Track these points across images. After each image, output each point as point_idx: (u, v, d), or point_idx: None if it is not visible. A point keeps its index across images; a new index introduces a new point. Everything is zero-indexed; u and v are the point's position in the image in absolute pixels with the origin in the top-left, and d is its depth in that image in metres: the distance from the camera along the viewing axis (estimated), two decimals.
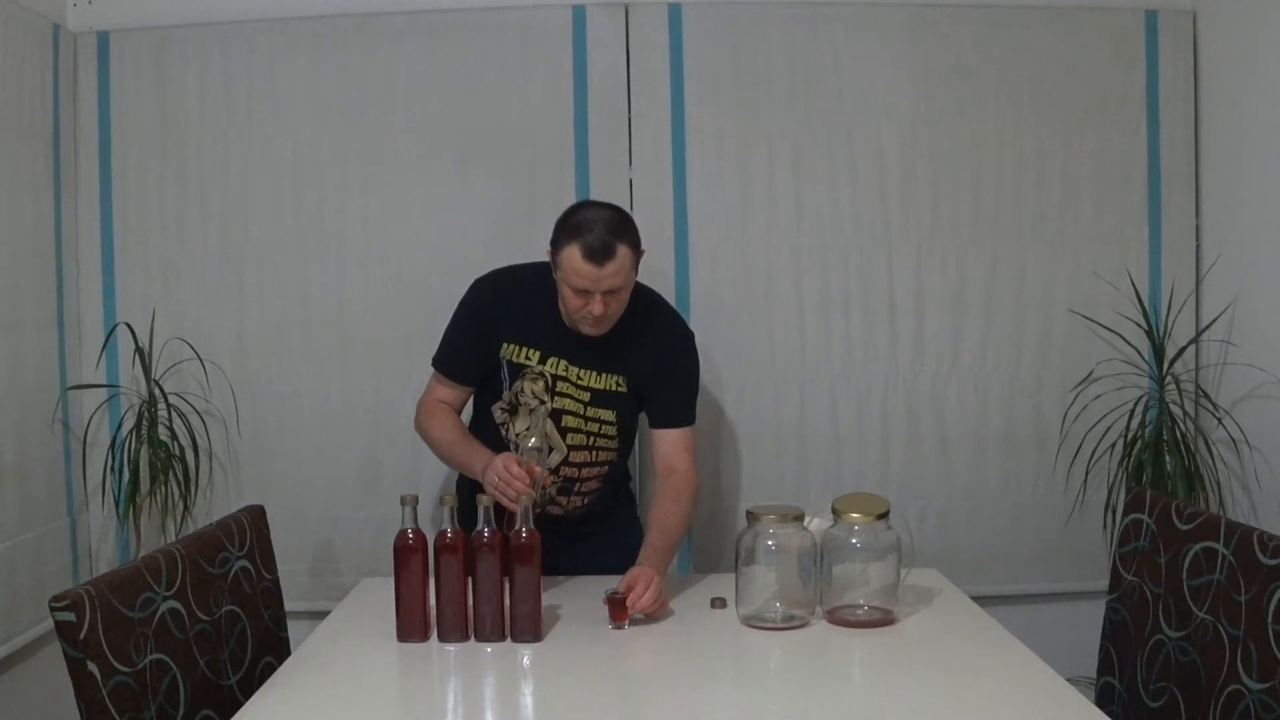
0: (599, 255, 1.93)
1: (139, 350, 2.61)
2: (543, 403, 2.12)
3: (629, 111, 2.66)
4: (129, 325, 2.64)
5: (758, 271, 2.67)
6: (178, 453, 2.61)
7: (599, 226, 1.95)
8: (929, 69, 2.67)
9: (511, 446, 2.13)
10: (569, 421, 2.13)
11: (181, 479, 2.60)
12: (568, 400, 2.12)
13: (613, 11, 2.65)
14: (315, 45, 2.66)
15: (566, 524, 2.21)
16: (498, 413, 2.17)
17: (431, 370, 2.25)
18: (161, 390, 2.62)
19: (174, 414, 2.62)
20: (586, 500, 2.22)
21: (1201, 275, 2.70)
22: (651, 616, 1.91)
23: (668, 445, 2.17)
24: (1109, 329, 2.67)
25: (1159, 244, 2.71)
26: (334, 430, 2.69)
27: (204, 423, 2.67)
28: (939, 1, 2.67)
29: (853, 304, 2.69)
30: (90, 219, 2.68)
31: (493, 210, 2.63)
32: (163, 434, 2.60)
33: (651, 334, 2.16)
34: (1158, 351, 2.61)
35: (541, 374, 2.12)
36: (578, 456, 2.15)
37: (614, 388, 2.13)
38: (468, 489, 2.12)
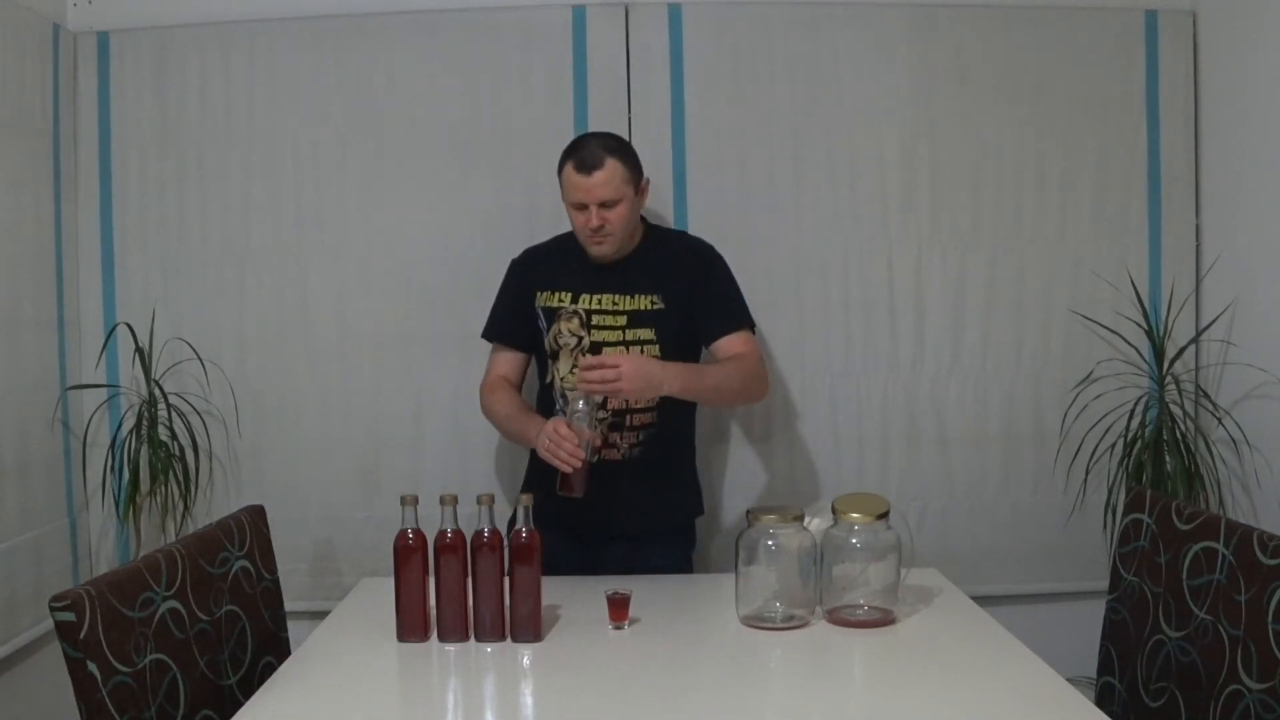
0: (587, 166, 2.13)
1: (139, 350, 2.61)
2: (579, 339, 2.21)
3: (629, 111, 2.66)
4: (129, 325, 2.64)
5: (758, 271, 2.66)
6: (178, 453, 2.61)
7: (591, 144, 2.18)
8: (929, 69, 2.67)
9: (560, 398, 2.22)
10: (610, 352, 2.19)
11: (181, 479, 2.60)
12: (605, 332, 2.21)
13: (613, 11, 2.65)
14: (315, 45, 2.66)
15: (624, 515, 2.22)
16: (547, 369, 2.27)
17: (489, 349, 2.37)
18: (161, 390, 2.62)
19: (174, 414, 2.62)
20: (641, 437, 2.23)
21: (1201, 275, 2.70)
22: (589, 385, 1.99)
23: (721, 350, 2.25)
24: (1109, 329, 2.67)
25: (1159, 244, 2.71)
26: (334, 430, 2.68)
27: (204, 423, 2.67)
28: (939, 1, 2.67)
29: (853, 304, 2.69)
30: (90, 219, 2.68)
31: (493, 210, 2.64)
32: (163, 434, 2.60)
33: (674, 253, 2.30)
34: (1158, 351, 2.61)
35: (575, 312, 2.23)
36: None
37: (649, 306, 2.22)
38: (537, 487, 2.14)
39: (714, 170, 2.67)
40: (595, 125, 2.64)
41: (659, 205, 2.65)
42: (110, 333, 2.66)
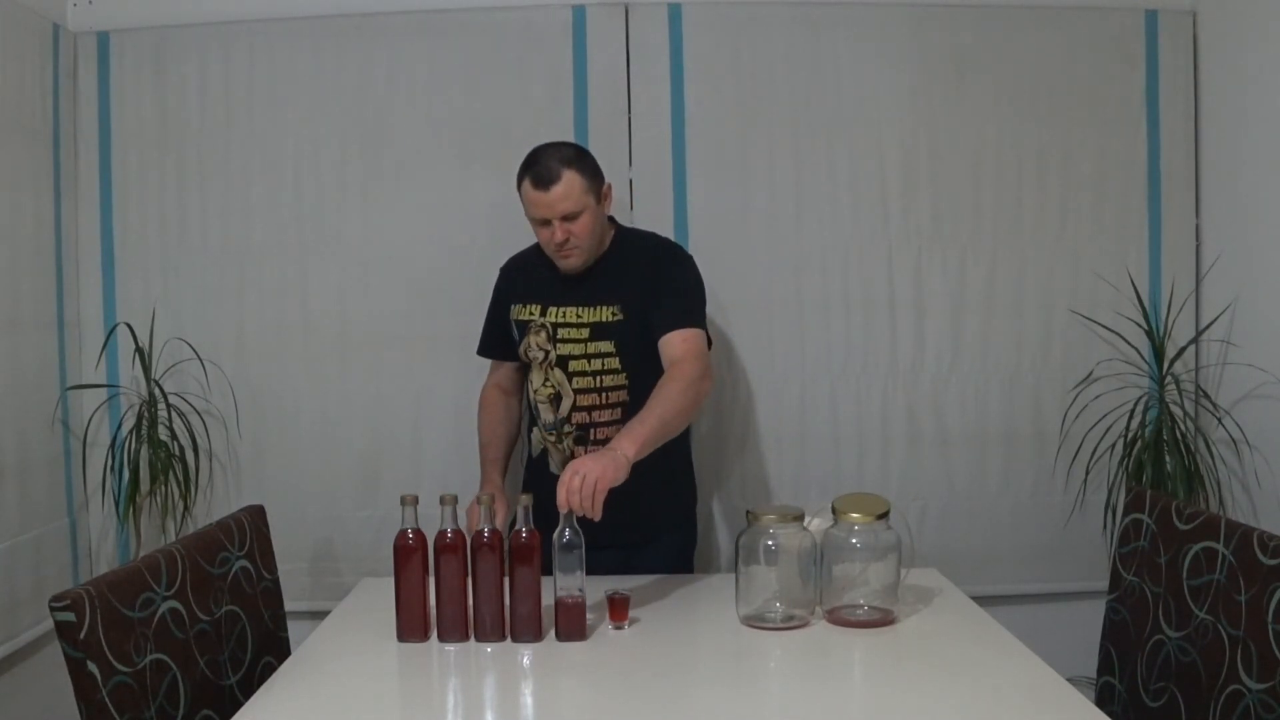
0: (544, 181, 2.08)
1: (139, 350, 2.61)
2: (546, 353, 2.21)
3: (629, 111, 2.66)
4: (129, 325, 2.64)
5: (758, 271, 2.67)
6: (178, 453, 2.61)
7: (546, 157, 2.12)
8: (929, 69, 2.67)
9: (534, 409, 2.25)
10: (574, 366, 2.20)
11: (181, 479, 2.60)
12: (570, 345, 2.20)
13: (613, 11, 2.65)
14: (315, 45, 2.66)
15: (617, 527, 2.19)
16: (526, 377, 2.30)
17: None
18: (161, 390, 2.62)
19: (174, 414, 2.62)
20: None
21: (1201, 275, 2.70)
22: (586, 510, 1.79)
23: (669, 348, 2.12)
24: (1109, 329, 2.67)
25: (1159, 244, 2.71)
26: (334, 430, 2.69)
27: (204, 423, 2.67)
28: (939, 1, 2.67)
29: (853, 304, 2.69)
30: (90, 219, 2.68)
31: (493, 210, 2.62)
32: (163, 434, 2.60)
33: (638, 258, 2.24)
34: (1158, 351, 2.61)
35: (543, 325, 2.22)
36: (585, 400, 2.19)
37: (610, 318, 2.18)
38: (538, 487, 2.14)
39: (714, 170, 2.67)
40: (595, 125, 2.65)
41: (659, 205, 2.66)
42: (110, 333, 2.66)
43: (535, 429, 2.28)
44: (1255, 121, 2.50)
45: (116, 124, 2.67)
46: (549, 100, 2.65)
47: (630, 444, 1.89)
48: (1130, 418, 2.61)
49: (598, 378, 2.19)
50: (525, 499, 1.85)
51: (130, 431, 2.61)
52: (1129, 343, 2.66)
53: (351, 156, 2.67)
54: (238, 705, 1.65)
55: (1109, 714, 1.54)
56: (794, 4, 2.66)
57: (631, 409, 2.11)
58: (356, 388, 2.69)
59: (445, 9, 2.65)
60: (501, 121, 2.64)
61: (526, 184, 2.11)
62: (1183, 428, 2.55)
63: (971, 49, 2.67)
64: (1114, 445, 2.61)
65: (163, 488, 2.57)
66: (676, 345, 2.12)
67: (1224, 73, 2.62)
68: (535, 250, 2.28)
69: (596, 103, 2.65)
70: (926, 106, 2.67)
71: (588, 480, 1.79)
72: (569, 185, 2.09)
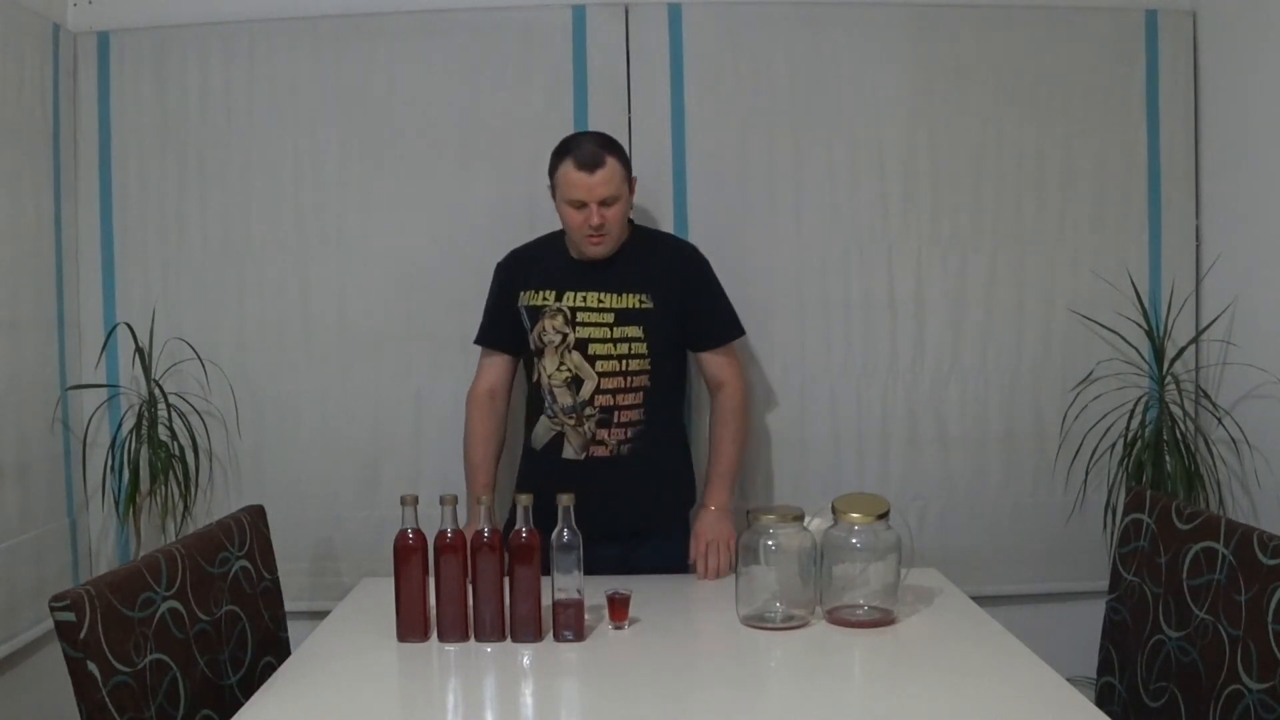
0: (589, 164, 2.16)
1: (139, 350, 2.61)
2: (564, 335, 2.23)
3: (629, 111, 2.66)
4: (129, 325, 2.64)
5: (758, 271, 2.67)
6: (178, 453, 2.61)
7: (588, 142, 2.21)
8: (929, 69, 2.67)
9: (548, 395, 2.25)
10: (596, 349, 2.23)
11: (181, 479, 2.60)
12: (591, 328, 2.23)
13: (613, 11, 2.65)
14: (315, 45, 2.66)
15: (624, 516, 2.24)
16: (534, 367, 2.30)
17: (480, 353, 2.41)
18: (161, 390, 2.62)
19: (174, 414, 2.62)
20: (630, 434, 2.24)
21: (1201, 275, 2.70)
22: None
23: (710, 364, 2.35)
24: (1109, 329, 2.67)
25: (1159, 244, 2.71)
26: (334, 430, 2.69)
27: (204, 423, 2.67)
28: (939, 1, 2.67)
29: (853, 304, 2.69)
30: (90, 219, 2.68)
31: (493, 210, 2.63)
32: (163, 434, 2.60)
33: (662, 254, 2.33)
34: (1158, 351, 2.61)
35: (559, 309, 2.25)
36: (610, 383, 2.22)
37: (638, 305, 2.24)
38: (535, 487, 2.12)
39: (714, 170, 2.67)
40: (595, 125, 2.64)
41: (658, 205, 2.65)
42: (110, 333, 2.66)
43: (543, 418, 2.28)
44: (1255, 121, 2.50)
45: (116, 124, 2.67)
46: (549, 100, 2.65)
47: (728, 496, 2.29)
48: (1130, 418, 2.61)
49: (623, 361, 2.23)
50: (525, 499, 1.85)
51: (130, 431, 2.61)
52: (1129, 343, 2.66)
53: (351, 156, 2.67)
54: (238, 705, 1.65)
55: (1109, 714, 1.54)
56: (794, 4, 2.66)
57: (651, 392, 2.23)
58: (356, 388, 2.68)
59: (445, 9, 2.65)
60: (501, 121, 2.64)
61: (569, 166, 2.17)
62: (1183, 428, 2.55)
63: (971, 49, 2.67)
64: (1114, 445, 2.61)
65: (163, 488, 2.57)
66: (724, 367, 2.34)
67: (1224, 73, 2.62)
68: (541, 242, 2.35)
69: (596, 103, 2.65)
70: (926, 106, 2.67)
71: (727, 547, 2.18)
72: (611, 170, 2.17)
